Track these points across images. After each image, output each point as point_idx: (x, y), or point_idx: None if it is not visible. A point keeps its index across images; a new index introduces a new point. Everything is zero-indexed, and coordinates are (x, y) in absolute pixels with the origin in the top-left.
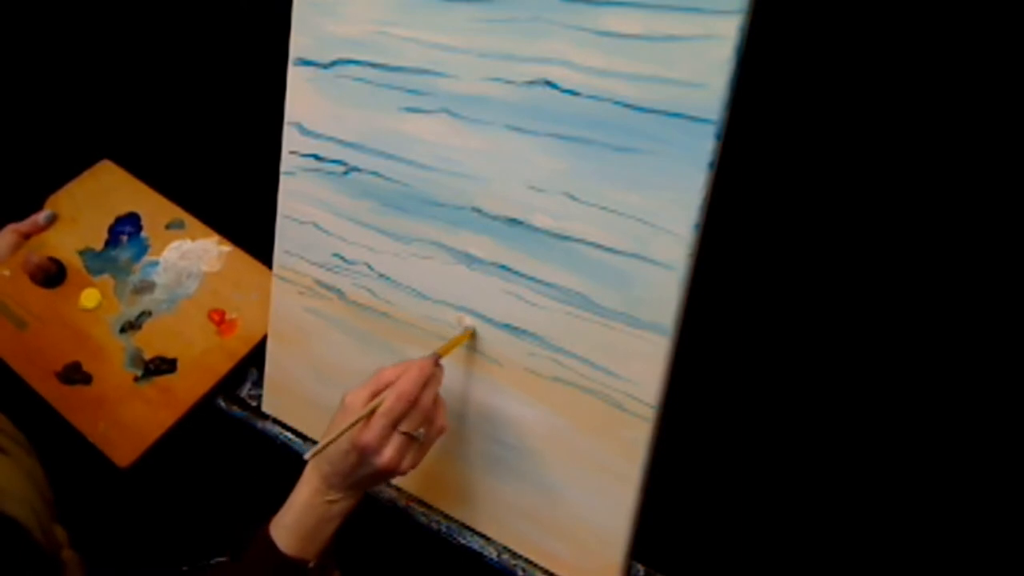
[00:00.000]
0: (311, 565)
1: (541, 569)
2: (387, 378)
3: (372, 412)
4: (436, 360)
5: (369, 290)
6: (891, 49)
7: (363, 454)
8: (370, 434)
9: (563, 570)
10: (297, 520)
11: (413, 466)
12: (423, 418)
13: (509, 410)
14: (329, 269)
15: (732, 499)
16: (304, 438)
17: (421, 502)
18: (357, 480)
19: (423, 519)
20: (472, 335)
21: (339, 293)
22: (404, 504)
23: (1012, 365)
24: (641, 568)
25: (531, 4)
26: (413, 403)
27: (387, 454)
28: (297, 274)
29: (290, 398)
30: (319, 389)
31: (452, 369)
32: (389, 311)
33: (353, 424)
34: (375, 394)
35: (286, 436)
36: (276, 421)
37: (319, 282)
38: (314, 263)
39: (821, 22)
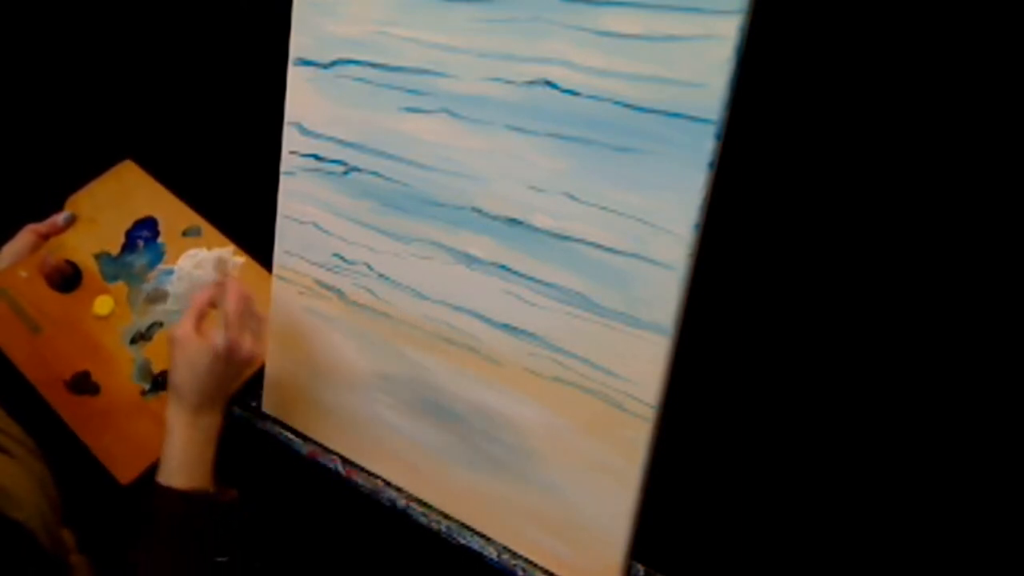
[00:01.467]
0: (213, 491)
1: (541, 569)
2: (205, 298)
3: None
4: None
5: (369, 290)
6: (891, 49)
7: (231, 355)
8: (232, 333)
9: (563, 570)
10: (185, 459)
11: (261, 351)
12: (252, 310)
13: (509, 410)
14: (329, 269)
15: (732, 499)
16: (304, 438)
17: (421, 502)
18: (219, 387)
19: (423, 519)
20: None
21: (339, 293)
22: (404, 504)
23: (1012, 365)
24: (641, 568)
25: (531, 4)
26: (249, 299)
27: (246, 345)
28: (297, 274)
29: (290, 398)
30: (319, 389)
31: (451, 368)
32: (389, 311)
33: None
34: (201, 317)
35: (286, 436)
36: (276, 421)
37: (319, 282)
38: (314, 263)
39: (821, 22)
